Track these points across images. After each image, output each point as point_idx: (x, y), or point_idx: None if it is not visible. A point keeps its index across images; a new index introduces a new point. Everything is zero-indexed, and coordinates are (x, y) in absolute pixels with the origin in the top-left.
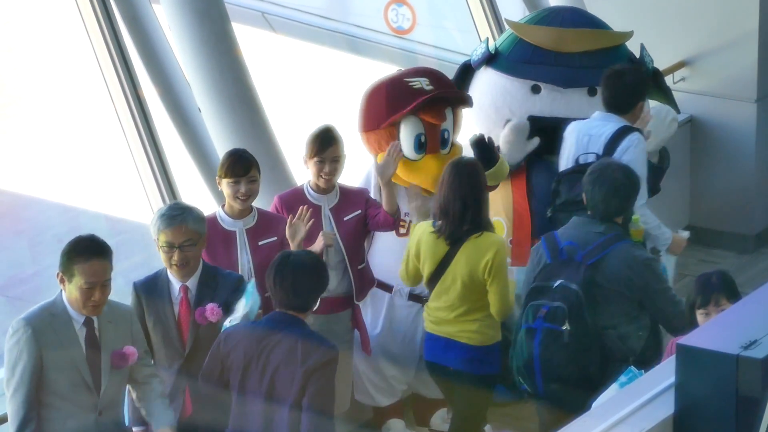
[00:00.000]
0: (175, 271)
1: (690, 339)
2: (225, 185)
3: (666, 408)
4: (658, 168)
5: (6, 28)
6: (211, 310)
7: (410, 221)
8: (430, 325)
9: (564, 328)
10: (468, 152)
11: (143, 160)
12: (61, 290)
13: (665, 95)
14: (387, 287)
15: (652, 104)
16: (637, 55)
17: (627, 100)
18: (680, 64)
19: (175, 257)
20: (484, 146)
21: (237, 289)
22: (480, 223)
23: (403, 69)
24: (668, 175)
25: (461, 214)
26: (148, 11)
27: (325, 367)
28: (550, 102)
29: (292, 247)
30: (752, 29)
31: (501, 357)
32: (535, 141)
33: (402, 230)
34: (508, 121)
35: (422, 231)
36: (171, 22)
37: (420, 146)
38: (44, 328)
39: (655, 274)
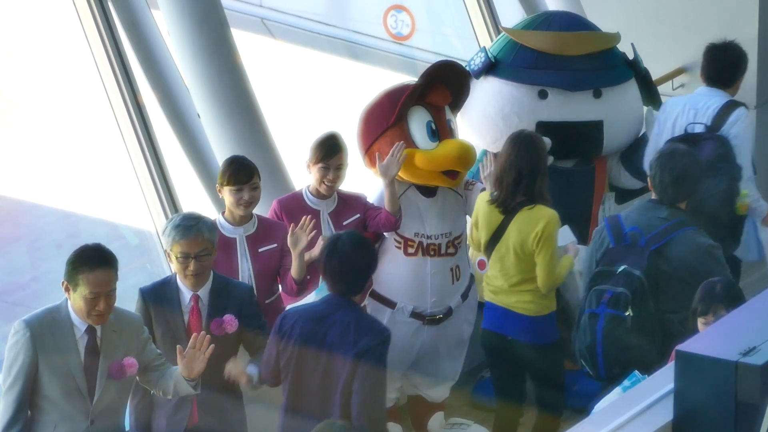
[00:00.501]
0: (190, 280)
1: (689, 345)
2: (227, 193)
3: (665, 414)
4: None
5: (6, 34)
6: (230, 321)
7: (419, 242)
8: (488, 294)
9: (627, 314)
10: None
11: (142, 165)
12: (67, 297)
13: (651, 96)
14: (390, 303)
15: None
16: (630, 56)
17: (730, 75)
18: (679, 71)
19: (191, 267)
20: None
21: (249, 299)
22: (533, 196)
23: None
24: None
25: (515, 185)
26: (148, 17)
27: (376, 349)
28: (557, 106)
29: (294, 255)
30: (751, 36)
31: (558, 324)
32: (549, 159)
33: (410, 250)
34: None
35: (481, 199)
36: (170, 28)
37: (433, 133)
38: (44, 331)
39: (717, 261)
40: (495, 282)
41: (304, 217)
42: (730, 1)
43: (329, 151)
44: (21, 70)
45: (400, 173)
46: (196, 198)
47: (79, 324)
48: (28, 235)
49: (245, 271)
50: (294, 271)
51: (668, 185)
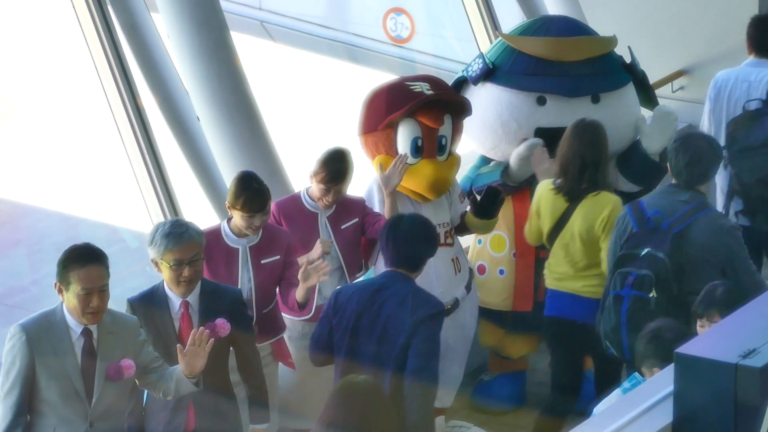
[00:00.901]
0: (182, 287)
1: (689, 348)
2: (238, 216)
3: (664, 417)
4: (663, 167)
5: (5, 37)
6: (222, 325)
7: None
8: (552, 282)
9: (651, 295)
10: (467, 163)
11: (142, 168)
12: (62, 301)
13: (650, 99)
14: None
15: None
16: (627, 60)
17: None
18: (679, 73)
19: (186, 273)
20: (493, 199)
21: (239, 302)
22: (597, 182)
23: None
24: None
25: (580, 173)
26: (147, 20)
27: (432, 319)
28: (556, 112)
29: (301, 287)
30: None
31: None
32: (539, 141)
33: None
34: (524, 139)
35: (543, 188)
36: (170, 31)
37: (417, 150)
38: (40, 335)
39: (738, 242)
40: (559, 269)
41: (318, 261)
42: (730, 4)
43: (334, 177)
44: (20, 73)
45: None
46: (196, 201)
47: (75, 326)
48: (28, 239)
49: (245, 283)
50: (299, 295)
51: (683, 168)
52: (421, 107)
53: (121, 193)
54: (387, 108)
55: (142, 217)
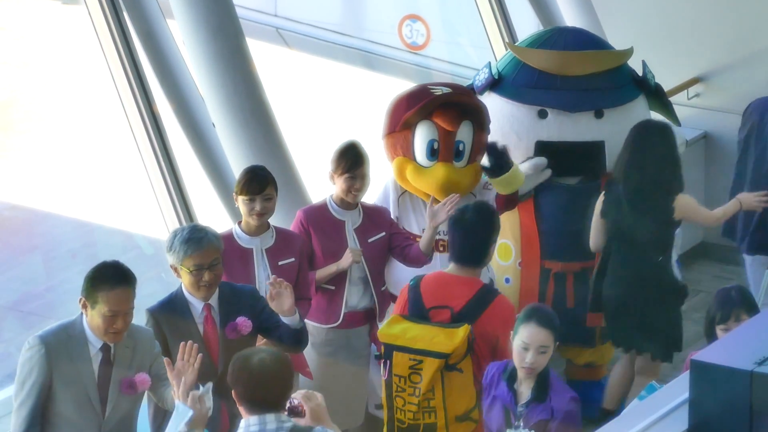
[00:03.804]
0: (203, 291)
1: (704, 355)
2: (241, 202)
3: (680, 424)
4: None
5: (21, 43)
6: (243, 323)
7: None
8: None
9: None
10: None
11: (157, 175)
12: (82, 313)
13: (666, 109)
14: None
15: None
16: (639, 73)
17: None
18: (694, 80)
19: (206, 277)
20: (496, 152)
21: (257, 297)
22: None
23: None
24: None
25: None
26: (163, 26)
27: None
28: (557, 126)
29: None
30: (767, 45)
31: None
32: (547, 173)
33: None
34: (529, 158)
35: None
36: (185, 37)
37: (432, 153)
38: (59, 347)
39: None
40: None
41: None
42: (746, 10)
43: (355, 161)
44: (35, 79)
45: (397, 178)
46: (211, 207)
47: (94, 341)
48: (44, 245)
49: (263, 282)
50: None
51: None
52: (437, 108)
53: (136, 200)
54: (405, 109)
55: (158, 223)
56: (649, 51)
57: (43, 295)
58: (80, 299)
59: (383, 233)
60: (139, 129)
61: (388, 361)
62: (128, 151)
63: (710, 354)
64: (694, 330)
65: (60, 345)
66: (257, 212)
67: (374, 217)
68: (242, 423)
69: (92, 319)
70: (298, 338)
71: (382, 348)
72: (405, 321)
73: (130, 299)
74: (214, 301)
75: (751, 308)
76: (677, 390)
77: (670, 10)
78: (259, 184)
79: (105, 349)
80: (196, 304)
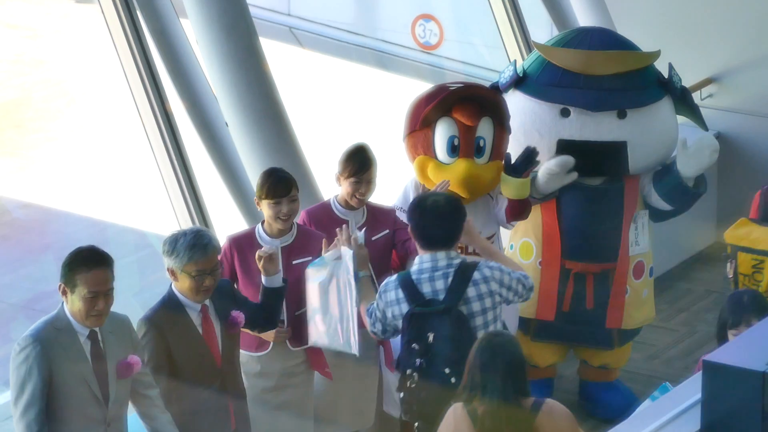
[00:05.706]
0: (201, 295)
1: (716, 356)
2: (266, 206)
3: (692, 424)
4: (693, 193)
5: (35, 43)
6: (237, 315)
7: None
8: None
9: None
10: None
11: (170, 174)
12: (63, 303)
13: (693, 113)
14: None
15: (684, 124)
16: (665, 75)
17: None
18: (708, 81)
19: (207, 283)
20: (529, 157)
21: (232, 289)
22: None
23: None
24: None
25: None
26: (176, 25)
27: None
28: (579, 125)
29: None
30: None
31: None
32: (574, 175)
33: None
34: (556, 154)
35: None
36: (198, 37)
37: (453, 149)
38: (51, 343)
39: None
40: None
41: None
42: (760, 11)
43: (362, 165)
44: (49, 78)
45: (418, 177)
46: (224, 206)
47: (81, 329)
48: (57, 243)
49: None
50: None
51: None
52: (456, 104)
53: (149, 199)
54: (424, 106)
55: (171, 222)
56: (662, 51)
57: (57, 293)
58: (59, 285)
59: (387, 231)
60: (152, 128)
61: (733, 261)
62: (141, 150)
63: (722, 355)
64: (706, 330)
65: (52, 340)
66: (284, 215)
67: (378, 215)
68: (416, 259)
69: (73, 305)
70: (268, 314)
71: (728, 248)
72: (750, 224)
73: (109, 280)
74: (208, 300)
75: (763, 313)
76: (690, 390)
77: (683, 11)
78: (285, 187)
79: (92, 335)
80: (193, 306)
